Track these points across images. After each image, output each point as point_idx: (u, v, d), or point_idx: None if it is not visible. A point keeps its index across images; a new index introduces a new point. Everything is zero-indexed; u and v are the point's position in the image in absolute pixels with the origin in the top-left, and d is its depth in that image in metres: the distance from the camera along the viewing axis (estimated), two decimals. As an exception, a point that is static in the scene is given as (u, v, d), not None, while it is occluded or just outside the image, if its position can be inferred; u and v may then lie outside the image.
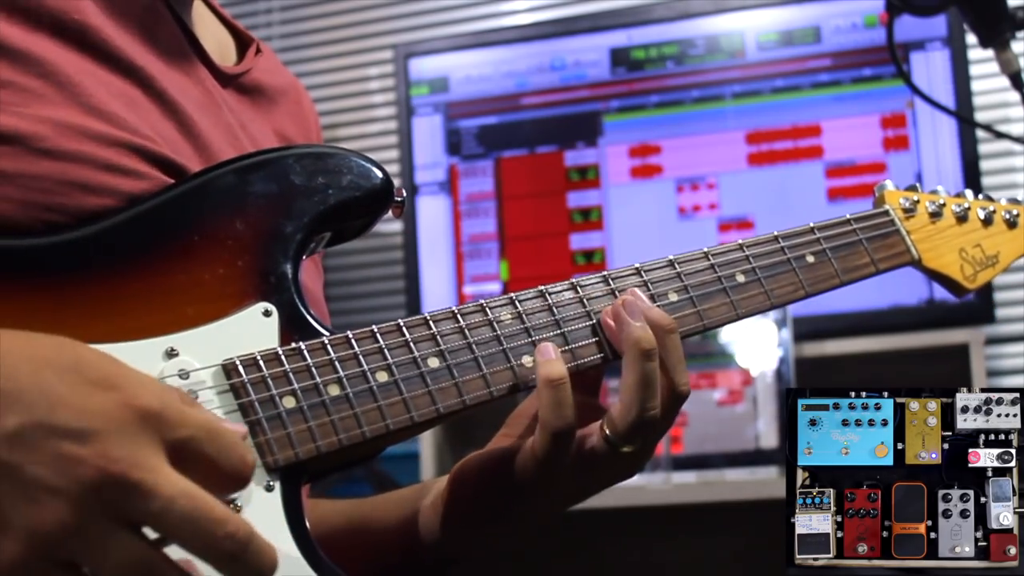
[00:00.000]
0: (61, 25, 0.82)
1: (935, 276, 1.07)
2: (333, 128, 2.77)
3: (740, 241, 0.96)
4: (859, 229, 1.02)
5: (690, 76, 2.37)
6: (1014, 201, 1.13)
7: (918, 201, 1.07)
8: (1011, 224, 1.12)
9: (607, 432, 0.84)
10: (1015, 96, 1.53)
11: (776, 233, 0.98)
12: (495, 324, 0.86)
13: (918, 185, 1.09)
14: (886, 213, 1.05)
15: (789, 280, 0.96)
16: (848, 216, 1.02)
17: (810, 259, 0.98)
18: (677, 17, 2.39)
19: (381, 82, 2.77)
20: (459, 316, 0.85)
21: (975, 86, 2.26)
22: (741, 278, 0.95)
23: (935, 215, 1.07)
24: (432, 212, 2.46)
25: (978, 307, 2.17)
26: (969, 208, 1.10)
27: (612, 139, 2.40)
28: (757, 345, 2.13)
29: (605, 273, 0.91)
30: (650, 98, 2.39)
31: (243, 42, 1.06)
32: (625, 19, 2.44)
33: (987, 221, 1.10)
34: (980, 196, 1.12)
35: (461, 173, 2.46)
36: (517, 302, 0.87)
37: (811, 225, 1.00)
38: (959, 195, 1.11)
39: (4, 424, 0.59)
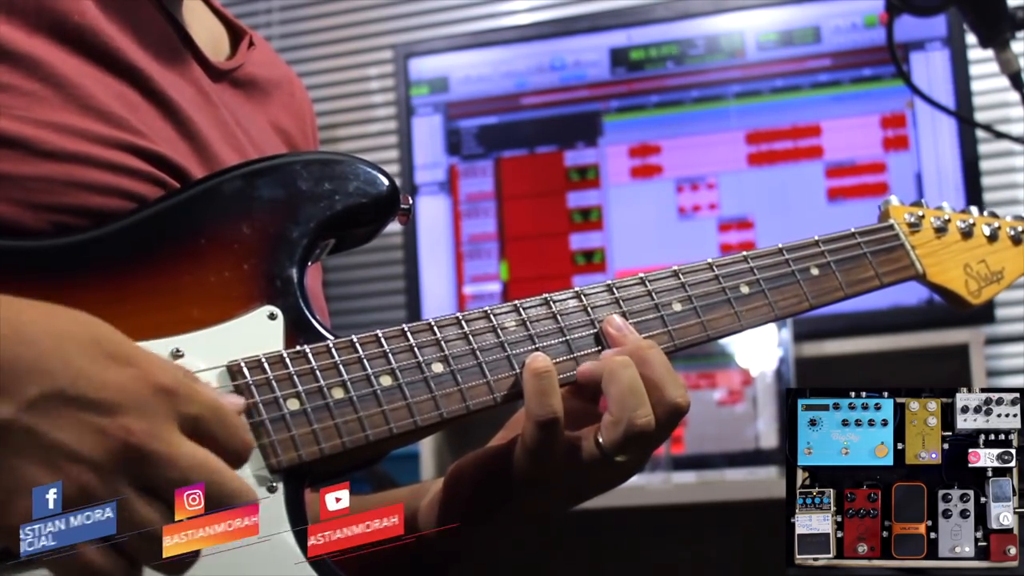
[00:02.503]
0: (60, 27, 0.83)
1: (939, 291, 1.08)
2: (333, 128, 2.77)
3: (744, 253, 0.97)
4: (864, 243, 1.02)
5: (690, 76, 2.37)
6: (1019, 218, 1.14)
7: (923, 216, 1.07)
8: (1016, 240, 1.12)
9: (600, 440, 0.84)
10: (1015, 96, 1.53)
11: (781, 245, 0.98)
12: (499, 331, 0.86)
13: (923, 201, 1.09)
14: (891, 227, 1.05)
15: (793, 292, 0.97)
16: (853, 230, 1.03)
17: (815, 272, 0.98)
18: (677, 17, 2.39)
19: (381, 82, 2.77)
20: (463, 322, 0.85)
21: (975, 86, 2.26)
22: (745, 289, 0.95)
23: (940, 230, 1.08)
24: (432, 212, 2.46)
25: (978, 307, 2.17)
26: (974, 224, 1.10)
27: (612, 139, 2.40)
28: (757, 345, 2.13)
29: (610, 282, 0.91)
30: (650, 98, 2.39)
31: (237, 34, 1.06)
32: (625, 19, 2.44)
33: (992, 237, 1.11)
34: (985, 212, 1.13)
35: (461, 173, 2.46)
36: (521, 309, 0.88)
37: (816, 238, 1.00)
38: (964, 211, 1.12)
39: (27, 392, 0.62)
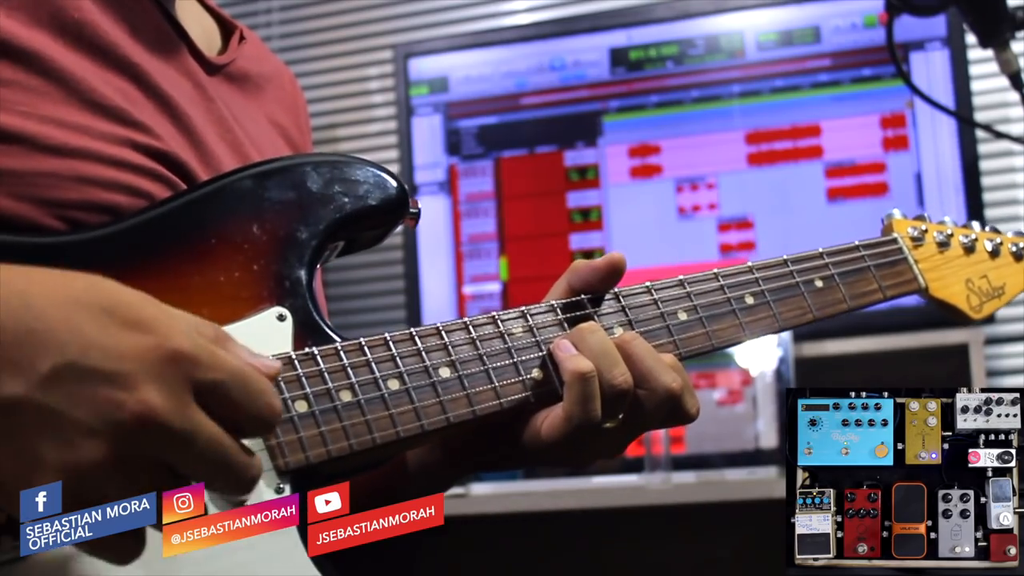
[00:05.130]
0: (61, 22, 0.83)
1: (941, 305, 1.09)
2: (333, 128, 2.77)
3: (750, 263, 0.97)
4: (868, 256, 1.03)
5: (690, 76, 2.37)
6: (1021, 234, 1.15)
7: (926, 231, 1.08)
8: (1018, 256, 1.13)
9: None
10: (1015, 96, 1.53)
11: (785, 257, 0.99)
12: (506, 336, 0.86)
13: (926, 215, 1.10)
14: (894, 241, 1.06)
15: (798, 304, 0.98)
16: (857, 243, 1.04)
17: (819, 284, 0.99)
18: (677, 17, 2.39)
19: (381, 82, 2.77)
20: (471, 327, 0.86)
21: (975, 86, 2.27)
22: (750, 300, 0.96)
23: (943, 245, 1.09)
24: (432, 212, 2.46)
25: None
26: (976, 239, 1.11)
27: (612, 139, 2.40)
28: (757, 345, 2.13)
29: (616, 290, 0.92)
30: (650, 98, 2.39)
31: (227, 29, 1.06)
32: (625, 19, 2.44)
33: (994, 253, 1.12)
34: (987, 228, 1.14)
35: (461, 173, 2.46)
36: (528, 316, 0.88)
37: (820, 250, 1.01)
38: (966, 226, 1.13)
39: (38, 366, 0.61)
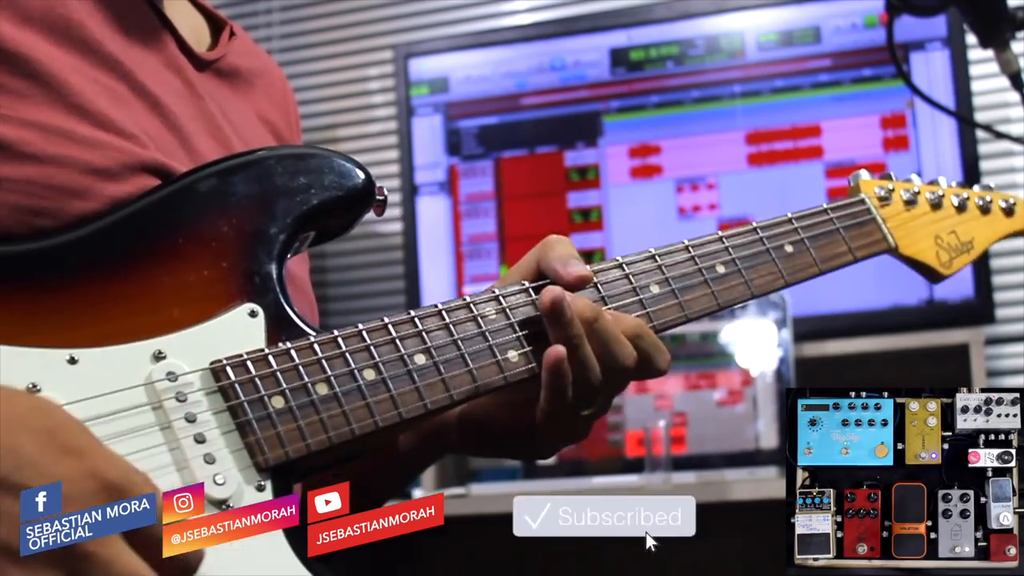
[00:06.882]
0: (50, 19, 0.83)
1: (912, 263, 1.08)
2: (333, 128, 2.77)
3: (719, 233, 0.97)
4: (836, 218, 1.03)
5: (690, 76, 2.37)
6: (986, 187, 1.15)
7: (893, 189, 1.08)
8: (984, 210, 1.13)
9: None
10: (1015, 96, 1.53)
11: (755, 224, 0.99)
12: (480, 320, 0.86)
13: (892, 174, 1.10)
14: (862, 202, 1.05)
15: (769, 270, 0.98)
16: (824, 205, 1.03)
17: (789, 249, 0.99)
18: (677, 17, 2.39)
19: (381, 82, 2.77)
20: (444, 313, 0.86)
21: (975, 86, 2.26)
22: (721, 269, 0.96)
23: (910, 203, 1.08)
24: (432, 212, 2.46)
25: (978, 307, 2.17)
26: (943, 195, 1.11)
27: (612, 139, 2.40)
28: (757, 345, 2.13)
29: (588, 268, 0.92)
30: (650, 98, 2.39)
31: (217, 25, 1.05)
32: (625, 19, 2.44)
33: (961, 207, 1.12)
34: (953, 183, 1.13)
35: (461, 173, 2.46)
36: (502, 298, 0.88)
37: (789, 215, 1.01)
38: (933, 182, 1.12)
39: None
